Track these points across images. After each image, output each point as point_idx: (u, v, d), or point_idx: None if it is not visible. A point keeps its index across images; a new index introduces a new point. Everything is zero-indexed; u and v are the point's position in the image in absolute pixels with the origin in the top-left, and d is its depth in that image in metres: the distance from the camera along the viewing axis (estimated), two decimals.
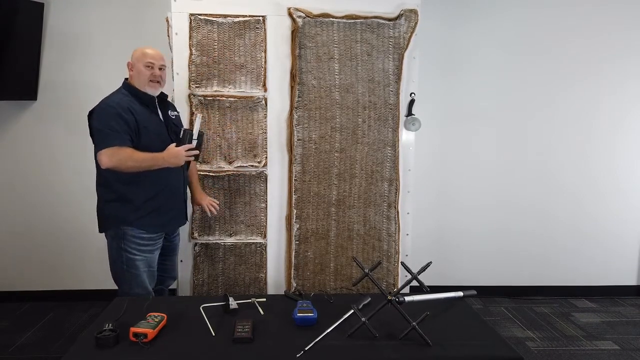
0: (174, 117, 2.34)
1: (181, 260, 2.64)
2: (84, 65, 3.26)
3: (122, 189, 2.16)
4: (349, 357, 1.56)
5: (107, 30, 3.24)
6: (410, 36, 2.63)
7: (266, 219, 2.68)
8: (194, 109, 2.57)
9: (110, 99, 2.15)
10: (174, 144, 2.16)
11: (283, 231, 2.70)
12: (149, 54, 2.19)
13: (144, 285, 2.24)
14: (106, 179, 2.18)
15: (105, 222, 2.23)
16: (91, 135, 2.17)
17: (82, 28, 3.24)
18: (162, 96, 2.29)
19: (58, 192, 3.37)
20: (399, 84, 2.66)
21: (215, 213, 2.52)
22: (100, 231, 2.26)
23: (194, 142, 2.18)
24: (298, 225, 2.68)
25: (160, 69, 2.21)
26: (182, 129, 2.22)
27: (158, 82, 2.21)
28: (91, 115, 2.15)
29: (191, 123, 2.56)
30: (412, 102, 2.72)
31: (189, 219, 2.58)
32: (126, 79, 2.25)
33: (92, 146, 2.15)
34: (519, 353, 1.64)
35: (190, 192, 2.53)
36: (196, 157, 2.22)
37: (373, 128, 2.67)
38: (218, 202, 2.55)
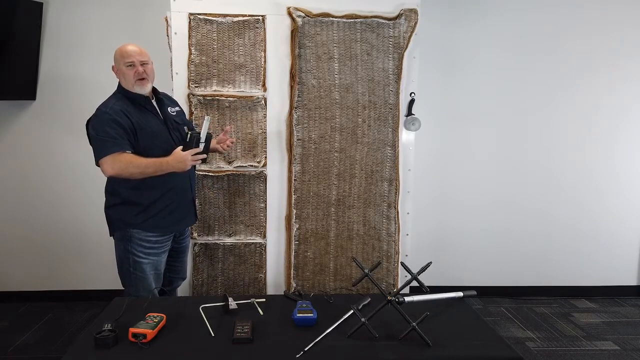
0: (174, 114, 2.29)
1: None
2: (83, 64, 3.26)
3: (127, 192, 2.15)
4: (349, 357, 1.56)
5: (106, 29, 3.23)
6: (410, 36, 2.63)
7: (266, 219, 2.68)
8: (193, 109, 2.56)
9: (104, 104, 2.12)
10: (180, 148, 2.08)
11: (282, 231, 2.70)
12: (127, 53, 2.13)
13: (150, 289, 2.23)
14: (112, 184, 2.18)
15: (112, 225, 2.23)
16: (90, 144, 2.14)
17: (81, 27, 3.24)
18: (157, 93, 2.26)
19: (57, 191, 3.37)
20: (399, 84, 2.65)
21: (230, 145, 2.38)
22: (110, 234, 2.26)
23: (201, 146, 2.11)
24: (297, 226, 2.67)
25: (142, 64, 2.13)
26: (189, 132, 2.11)
27: (144, 78, 2.13)
28: (88, 124, 2.14)
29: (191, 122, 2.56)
30: (412, 101, 2.71)
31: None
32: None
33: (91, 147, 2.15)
34: (519, 353, 1.64)
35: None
36: (203, 160, 2.18)
37: (373, 128, 2.66)
38: (229, 137, 2.37)
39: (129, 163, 2.03)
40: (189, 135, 2.09)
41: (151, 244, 2.21)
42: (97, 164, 2.07)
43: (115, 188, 2.17)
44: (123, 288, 2.28)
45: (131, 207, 2.17)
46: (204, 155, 2.14)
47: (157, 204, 2.19)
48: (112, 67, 2.19)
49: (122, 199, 2.17)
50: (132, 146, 2.08)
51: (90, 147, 2.13)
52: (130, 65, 2.12)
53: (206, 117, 2.15)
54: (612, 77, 3.52)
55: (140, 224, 2.17)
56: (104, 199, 2.25)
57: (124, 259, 2.21)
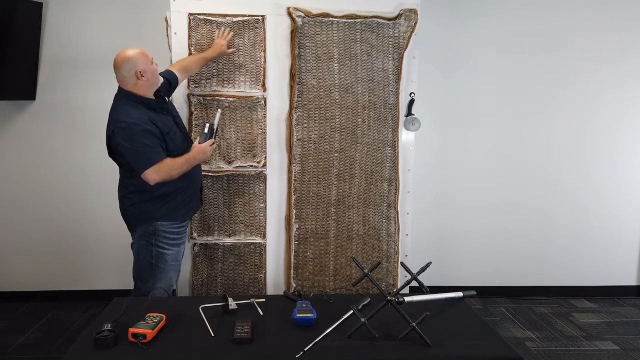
0: (177, 112, 2.40)
1: None
2: (83, 64, 3.26)
3: (155, 189, 2.18)
4: (349, 357, 1.56)
5: (106, 29, 3.23)
6: (410, 36, 2.63)
7: (265, 219, 2.68)
8: (192, 109, 2.56)
9: (126, 115, 2.10)
10: (197, 142, 2.25)
11: (282, 231, 2.70)
12: (146, 52, 2.17)
13: (168, 280, 2.29)
14: (137, 184, 2.18)
15: (135, 220, 2.26)
16: (114, 154, 2.18)
17: (81, 28, 3.24)
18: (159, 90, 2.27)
19: (57, 192, 3.37)
20: (399, 84, 2.65)
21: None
22: (130, 229, 2.29)
23: (214, 136, 2.31)
24: (297, 226, 2.67)
25: None
26: (208, 124, 2.29)
27: None
28: (114, 136, 2.10)
29: (191, 122, 2.56)
30: (411, 101, 2.71)
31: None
32: (121, 89, 2.17)
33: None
34: (519, 353, 1.64)
35: (209, 59, 2.51)
36: None
37: (372, 128, 2.66)
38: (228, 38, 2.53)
39: (171, 168, 2.14)
40: (206, 126, 2.27)
41: (174, 235, 2.28)
42: (140, 174, 2.10)
43: (140, 186, 2.17)
44: (134, 284, 2.29)
45: (156, 201, 2.22)
46: (215, 145, 2.34)
47: (182, 194, 2.28)
48: (137, 72, 2.11)
49: (147, 194, 2.20)
50: (163, 150, 2.16)
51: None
52: (153, 62, 2.19)
53: (219, 110, 2.37)
54: (611, 77, 3.52)
55: (166, 215, 2.24)
56: (121, 198, 2.28)
57: (146, 253, 2.24)
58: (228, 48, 2.53)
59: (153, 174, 2.09)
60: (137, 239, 2.26)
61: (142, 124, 2.09)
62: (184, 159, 2.19)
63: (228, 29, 2.53)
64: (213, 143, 2.28)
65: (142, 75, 2.13)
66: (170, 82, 2.35)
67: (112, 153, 2.20)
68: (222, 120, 2.58)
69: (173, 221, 2.27)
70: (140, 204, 2.22)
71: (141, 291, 2.24)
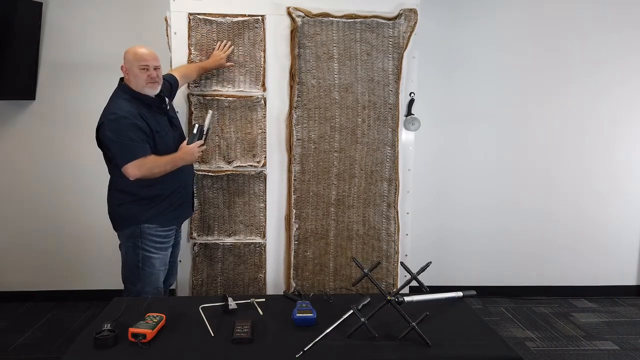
0: (176, 114, 2.38)
1: (180, 261, 2.63)
2: (82, 65, 3.26)
3: (142, 191, 2.18)
4: (349, 357, 1.56)
5: (106, 29, 3.23)
6: (410, 36, 2.63)
7: (265, 219, 2.68)
8: (192, 109, 2.56)
9: (118, 107, 2.10)
10: (185, 142, 2.24)
11: (282, 231, 2.70)
12: (142, 56, 2.14)
13: (157, 284, 2.28)
14: (124, 183, 2.17)
15: (121, 221, 2.24)
16: (102, 146, 2.16)
17: (81, 27, 3.24)
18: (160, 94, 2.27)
19: (57, 191, 3.37)
20: (399, 84, 2.65)
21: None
22: (116, 230, 2.28)
23: (203, 138, 2.30)
24: (297, 225, 2.67)
25: (155, 69, 2.16)
26: (197, 125, 2.28)
27: (156, 82, 2.18)
28: (102, 127, 2.11)
29: (190, 122, 2.57)
30: (411, 101, 2.71)
31: (188, 219, 2.58)
32: (122, 79, 2.22)
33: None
34: (519, 353, 1.64)
35: (207, 69, 2.53)
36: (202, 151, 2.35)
37: (372, 128, 2.66)
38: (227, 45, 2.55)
39: (153, 165, 2.12)
40: (196, 127, 2.26)
41: (161, 239, 2.26)
42: (121, 167, 2.09)
43: (128, 186, 2.17)
44: (124, 286, 2.29)
45: (143, 203, 2.20)
46: (205, 147, 2.32)
47: (169, 198, 2.26)
48: (122, 66, 2.17)
49: (135, 196, 2.19)
50: (151, 148, 2.14)
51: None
52: (144, 69, 2.14)
53: (210, 112, 2.36)
54: (611, 77, 3.52)
55: (152, 218, 2.22)
56: (109, 197, 2.26)
57: (133, 256, 2.23)
58: (227, 62, 2.53)
59: (134, 169, 2.07)
60: (125, 240, 2.25)
61: (131, 118, 2.08)
62: (169, 158, 2.18)
63: (229, 43, 2.53)
64: (202, 145, 2.27)
65: (126, 71, 2.17)
66: (171, 84, 2.36)
67: (101, 145, 2.18)
68: (222, 120, 2.59)
69: (160, 225, 2.25)
70: (127, 205, 2.21)
71: (131, 294, 2.23)
